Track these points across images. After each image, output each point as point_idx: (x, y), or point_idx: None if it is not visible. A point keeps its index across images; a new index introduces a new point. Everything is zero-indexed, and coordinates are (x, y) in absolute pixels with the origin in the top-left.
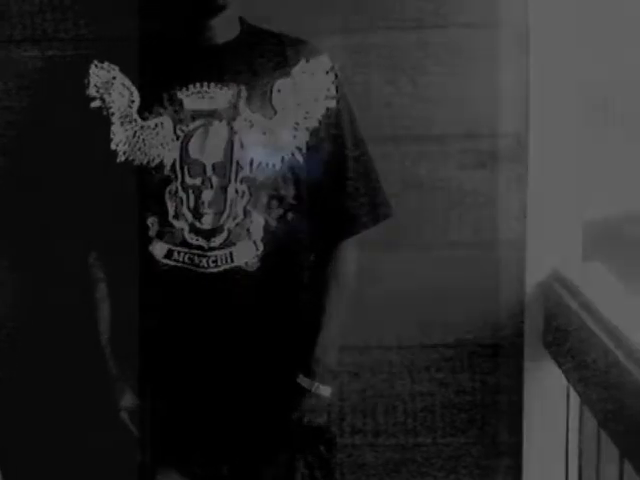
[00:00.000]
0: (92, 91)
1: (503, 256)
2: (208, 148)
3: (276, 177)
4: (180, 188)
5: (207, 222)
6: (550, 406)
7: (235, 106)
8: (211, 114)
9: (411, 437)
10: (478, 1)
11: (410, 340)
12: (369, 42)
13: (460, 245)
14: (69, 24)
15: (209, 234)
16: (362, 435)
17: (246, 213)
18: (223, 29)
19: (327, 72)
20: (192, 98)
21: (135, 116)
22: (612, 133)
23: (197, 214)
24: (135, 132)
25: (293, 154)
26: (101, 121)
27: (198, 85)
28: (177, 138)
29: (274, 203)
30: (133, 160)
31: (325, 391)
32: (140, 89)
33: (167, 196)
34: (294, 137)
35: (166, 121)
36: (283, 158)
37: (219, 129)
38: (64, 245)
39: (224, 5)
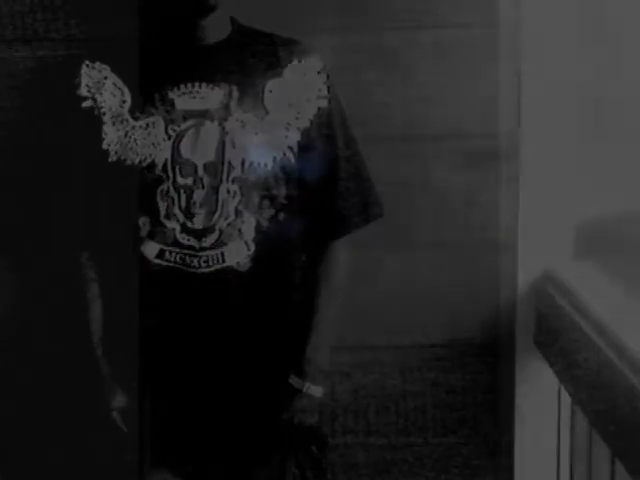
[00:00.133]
0: (83, 91)
1: (494, 256)
2: (200, 148)
3: (268, 177)
4: (172, 188)
5: (198, 222)
6: (542, 406)
7: (227, 106)
8: (203, 114)
9: (402, 437)
10: (470, 1)
11: (401, 340)
12: (360, 42)
13: (451, 245)
14: (60, 24)
15: (200, 234)
16: (353, 435)
17: (237, 213)
18: (214, 29)
19: (318, 72)
20: (184, 98)
21: (127, 116)
22: (604, 133)
23: (189, 214)
24: (127, 132)
25: (285, 154)
26: (92, 121)
27: (190, 85)
28: (169, 138)
29: (266, 203)
30: (125, 160)
31: (316, 391)
32: (131, 89)
33: (159, 196)
34: (286, 137)
35: (157, 121)
36: (275, 158)
37: (211, 129)
38: (55, 245)
39: (215, 5)
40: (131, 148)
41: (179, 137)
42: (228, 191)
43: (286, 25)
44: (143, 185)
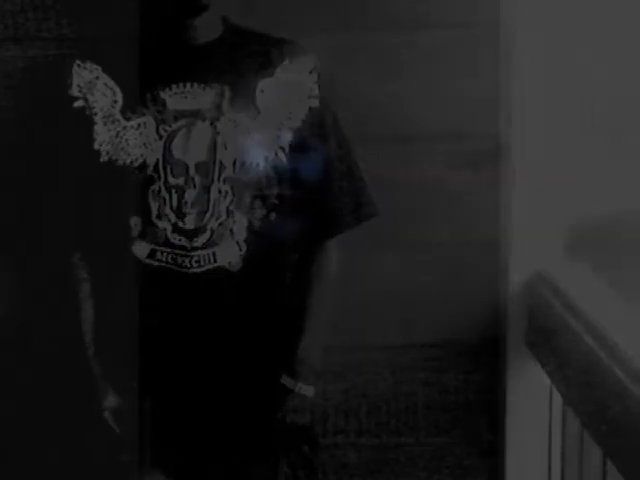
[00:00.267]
0: (75, 91)
1: (487, 256)
2: (191, 148)
3: (259, 177)
4: (163, 188)
5: (190, 222)
6: (533, 406)
7: (218, 106)
8: (194, 114)
9: (394, 437)
10: (464, 2)
11: (394, 340)
12: (354, 42)
13: (444, 245)
14: (51, 23)
15: (192, 234)
16: (345, 435)
17: (229, 213)
18: (206, 29)
19: (310, 72)
20: (175, 98)
21: (118, 116)
22: (597, 132)
23: (180, 214)
24: (118, 132)
25: (276, 154)
26: (84, 121)
27: (181, 85)
28: (160, 138)
29: (257, 203)
30: (116, 160)
31: (308, 391)
32: (123, 89)
33: (150, 196)
34: (277, 137)
35: (149, 121)
36: (266, 158)
37: (202, 129)
38: (47, 245)
39: (207, 4)
40: (122, 148)
41: (170, 137)
42: (220, 191)
43: (279, 25)
44: (134, 185)
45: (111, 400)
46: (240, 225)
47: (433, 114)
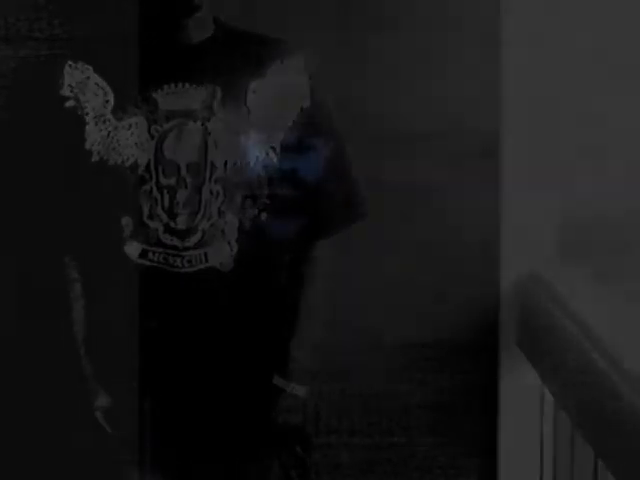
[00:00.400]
0: (66, 91)
1: (479, 256)
2: (182, 148)
3: (251, 177)
4: (155, 188)
5: (182, 222)
6: (525, 406)
7: (210, 106)
8: (186, 114)
9: (386, 437)
10: (454, 2)
11: (387, 340)
12: (346, 41)
13: (436, 245)
14: (43, 24)
15: (184, 234)
16: (338, 435)
17: (220, 213)
18: (198, 29)
19: (302, 72)
20: (167, 98)
21: (109, 116)
22: (589, 132)
23: (172, 214)
24: (109, 132)
25: (268, 154)
26: (75, 121)
27: (173, 85)
28: (152, 138)
29: (248, 203)
30: (107, 160)
31: (301, 391)
32: (114, 89)
33: (142, 196)
34: (269, 137)
35: (140, 121)
36: (258, 158)
37: (193, 129)
38: (38, 245)
39: (200, 4)
40: (114, 148)
41: (162, 137)
42: (211, 191)
43: (271, 24)
44: (126, 185)
45: (102, 400)
46: (231, 225)
47: (426, 113)
